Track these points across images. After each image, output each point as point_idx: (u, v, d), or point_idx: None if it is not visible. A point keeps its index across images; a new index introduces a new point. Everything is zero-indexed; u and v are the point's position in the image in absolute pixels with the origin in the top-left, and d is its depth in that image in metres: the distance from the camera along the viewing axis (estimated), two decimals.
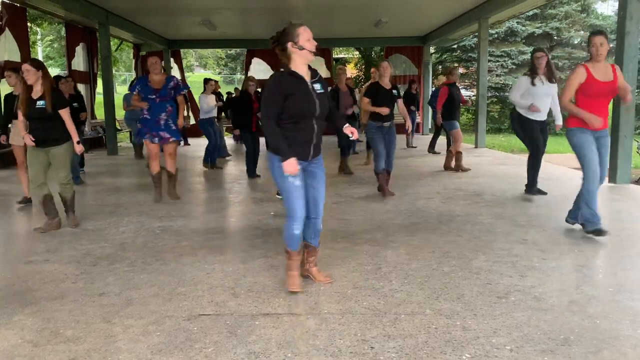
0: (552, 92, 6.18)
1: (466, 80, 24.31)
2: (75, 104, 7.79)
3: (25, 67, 4.91)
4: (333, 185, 7.57)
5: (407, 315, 2.98)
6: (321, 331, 2.81)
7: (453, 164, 8.83)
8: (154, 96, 6.20)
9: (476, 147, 12.86)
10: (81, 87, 14.32)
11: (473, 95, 22.22)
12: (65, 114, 4.99)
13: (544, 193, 6.41)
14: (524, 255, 4.06)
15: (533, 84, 6.10)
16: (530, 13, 20.38)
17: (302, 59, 3.21)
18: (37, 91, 4.93)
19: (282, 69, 3.25)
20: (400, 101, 6.52)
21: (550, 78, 6.12)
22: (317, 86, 3.28)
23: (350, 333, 2.77)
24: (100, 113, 15.15)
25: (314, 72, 3.33)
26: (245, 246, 4.44)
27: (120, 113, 13.96)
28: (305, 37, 3.18)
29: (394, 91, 6.36)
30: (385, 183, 6.54)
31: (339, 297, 3.27)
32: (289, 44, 3.18)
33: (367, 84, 7.53)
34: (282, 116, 3.19)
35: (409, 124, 6.57)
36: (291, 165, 3.12)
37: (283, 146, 3.14)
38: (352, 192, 6.83)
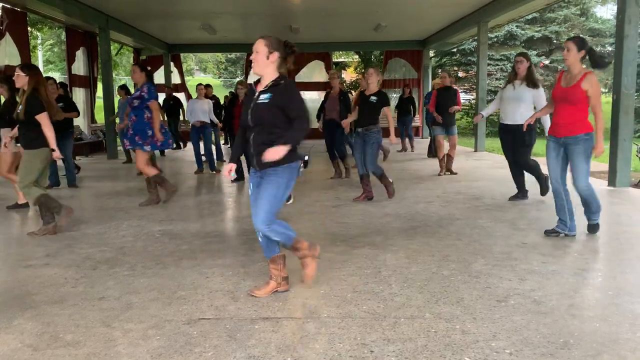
0: (526, 96, 5.99)
1: (466, 84, 24.34)
2: (60, 104, 7.75)
3: (17, 70, 4.96)
4: (333, 188, 7.59)
5: (406, 319, 2.98)
6: (321, 335, 2.81)
7: (452, 166, 8.87)
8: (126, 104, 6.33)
9: (476, 150, 12.88)
10: (81, 91, 14.40)
11: (473, 99, 22.29)
12: (42, 119, 4.91)
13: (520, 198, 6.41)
14: (523, 259, 4.06)
15: (502, 86, 6.26)
16: (530, 17, 20.44)
17: None
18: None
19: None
20: (386, 108, 6.38)
21: (528, 83, 5.97)
22: (263, 96, 3.23)
23: (349, 337, 2.78)
24: (100, 117, 15.18)
25: (270, 83, 3.25)
26: (244, 250, 4.44)
27: None
28: None
29: (372, 98, 6.27)
30: (364, 187, 6.59)
31: (338, 301, 3.27)
32: None
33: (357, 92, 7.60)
34: None
35: (392, 138, 6.44)
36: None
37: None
38: (351, 195, 6.84)
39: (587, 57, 4.50)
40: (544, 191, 6.36)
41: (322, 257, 4.17)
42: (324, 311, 3.12)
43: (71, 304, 3.30)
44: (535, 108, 6.02)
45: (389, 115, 6.50)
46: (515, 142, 6.08)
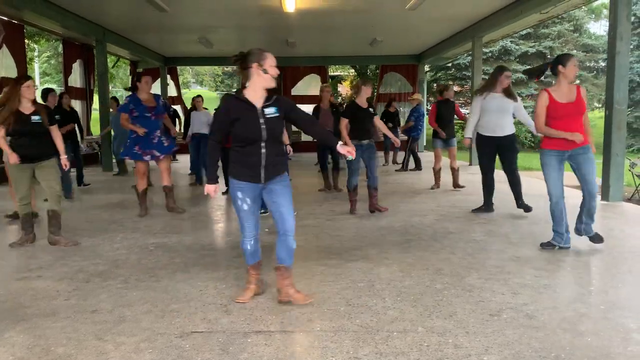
0: (509, 108, 6.21)
1: (461, 98, 24.50)
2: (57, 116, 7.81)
3: (30, 82, 5.00)
4: (327, 201, 7.59)
5: (399, 333, 2.98)
6: (313, 349, 2.81)
7: (459, 180, 8.89)
8: (149, 114, 6.29)
9: (471, 164, 12.94)
10: (77, 103, 14.40)
11: (467, 113, 22.38)
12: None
13: (529, 209, 6.40)
14: (516, 273, 4.08)
15: (484, 98, 6.27)
16: (524, 32, 20.67)
17: (263, 82, 3.26)
18: (28, 107, 5.01)
19: (232, 93, 3.40)
20: (376, 118, 6.52)
21: (508, 95, 6.20)
22: (270, 110, 3.27)
23: (342, 351, 2.77)
24: (96, 129, 15.19)
25: (269, 96, 3.31)
26: (238, 263, 4.43)
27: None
28: (270, 62, 3.25)
29: (370, 109, 6.42)
30: (364, 200, 6.76)
31: (331, 315, 3.27)
32: (254, 65, 3.23)
33: (346, 104, 7.66)
34: (233, 139, 3.32)
35: (396, 140, 6.87)
36: (209, 190, 3.42)
37: (211, 169, 3.44)
38: (345, 209, 6.84)
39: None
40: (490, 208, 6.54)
41: (315, 270, 4.18)
42: (317, 324, 3.12)
43: (63, 316, 3.29)
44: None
45: (383, 125, 6.79)
46: (503, 153, 6.33)
